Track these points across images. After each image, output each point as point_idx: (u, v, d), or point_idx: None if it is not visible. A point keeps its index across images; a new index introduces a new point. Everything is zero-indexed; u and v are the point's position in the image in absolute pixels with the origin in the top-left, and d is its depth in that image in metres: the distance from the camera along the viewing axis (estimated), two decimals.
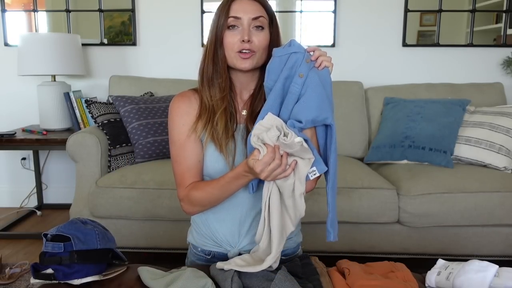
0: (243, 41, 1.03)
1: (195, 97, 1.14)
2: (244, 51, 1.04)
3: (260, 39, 1.06)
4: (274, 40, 1.09)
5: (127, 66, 2.89)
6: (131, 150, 2.24)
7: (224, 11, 1.06)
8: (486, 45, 2.81)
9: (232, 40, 1.05)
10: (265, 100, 1.01)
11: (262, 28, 1.06)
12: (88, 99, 2.33)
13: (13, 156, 3.01)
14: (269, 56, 1.05)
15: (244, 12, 1.04)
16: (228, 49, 1.06)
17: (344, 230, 2.00)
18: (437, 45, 2.80)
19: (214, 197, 1.05)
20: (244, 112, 1.13)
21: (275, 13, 1.13)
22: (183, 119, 1.11)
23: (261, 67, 1.09)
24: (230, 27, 1.05)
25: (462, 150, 2.19)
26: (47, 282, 0.98)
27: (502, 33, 2.78)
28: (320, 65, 0.97)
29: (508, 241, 2.01)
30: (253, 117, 1.08)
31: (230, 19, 1.05)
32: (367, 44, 2.82)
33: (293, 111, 0.96)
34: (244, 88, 1.14)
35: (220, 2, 1.09)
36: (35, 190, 2.94)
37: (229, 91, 1.10)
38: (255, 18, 1.05)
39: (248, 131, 1.10)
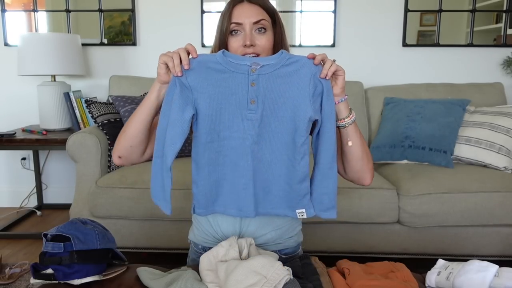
0: (245, 45, 1.05)
1: None
2: (248, 55, 1.06)
3: (263, 41, 1.08)
4: (279, 39, 1.11)
5: (127, 66, 2.89)
6: None
7: (226, 17, 1.08)
8: (486, 45, 2.80)
9: (235, 45, 1.07)
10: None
11: (265, 30, 1.08)
12: (88, 99, 2.33)
13: (13, 156, 3.01)
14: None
15: (245, 16, 1.06)
16: None
17: (344, 230, 2.00)
18: (437, 45, 2.80)
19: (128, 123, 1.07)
20: None
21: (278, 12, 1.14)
22: None
23: None
24: (233, 32, 1.08)
25: (462, 150, 2.19)
26: (47, 282, 0.98)
27: (502, 33, 2.78)
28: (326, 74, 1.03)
29: (508, 241, 2.01)
30: None
31: (232, 25, 1.07)
32: (367, 44, 2.82)
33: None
34: None
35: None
36: (35, 190, 2.94)
37: None
38: (256, 22, 1.07)
39: None
